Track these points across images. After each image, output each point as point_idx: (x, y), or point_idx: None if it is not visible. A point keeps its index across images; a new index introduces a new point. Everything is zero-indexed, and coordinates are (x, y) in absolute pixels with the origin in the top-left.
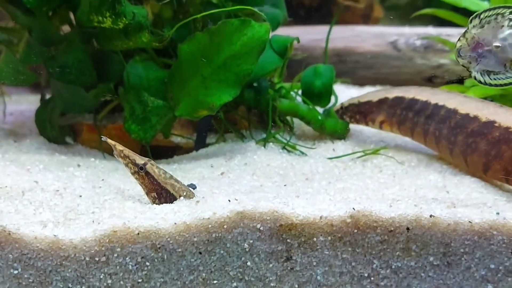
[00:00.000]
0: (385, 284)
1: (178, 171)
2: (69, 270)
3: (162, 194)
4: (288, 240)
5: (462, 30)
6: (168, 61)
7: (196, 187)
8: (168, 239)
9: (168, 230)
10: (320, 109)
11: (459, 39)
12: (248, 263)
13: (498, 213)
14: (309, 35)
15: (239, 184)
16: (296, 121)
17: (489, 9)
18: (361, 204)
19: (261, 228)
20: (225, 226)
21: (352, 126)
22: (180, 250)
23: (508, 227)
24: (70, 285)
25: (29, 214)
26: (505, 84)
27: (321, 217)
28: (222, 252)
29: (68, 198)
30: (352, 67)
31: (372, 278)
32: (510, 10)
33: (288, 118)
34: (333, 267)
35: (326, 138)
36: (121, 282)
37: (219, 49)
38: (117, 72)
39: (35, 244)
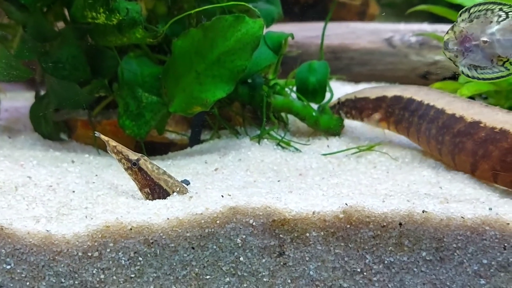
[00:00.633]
0: (378, 279)
1: (172, 167)
2: (62, 265)
3: (155, 189)
4: (281, 235)
5: None
6: (163, 57)
7: (189, 183)
8: (161, 234)
9: (161, 225)
10: (314, 106)
11: (447, 32)
12: (241, 258)
13: (490, 209)
14: (304, 32)
15: (233, 179)
16: (291, 117)
17: (479, 4)
18: (354, 200)
19: (254, 223)
20: (217, 222)
21: (347, 123)
22: (173, 245)
23: (501, 222)
24: (62, 280)
25: (22, 209)
26: (492, 79)
27: (313, 212)
28: (214, 247)
29: (61, 194)
30: (347, 64)
31: (364, 273)
32: (499, 6)
33: (283, 114)
34: (326, 262)
35: (321, 135)
36: (114, 277)
37: (213, 45)
38: (111, 68)
39: (28, 239)
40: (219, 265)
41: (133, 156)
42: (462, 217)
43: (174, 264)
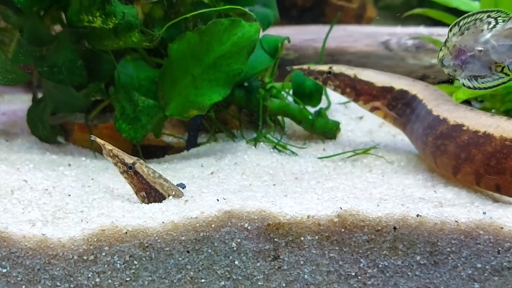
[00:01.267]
0: (372, 283)
1: (168, 170)
2: (57, 269)
3: (151, 193)
4: (276, 239)
5: None
6: (159, 60)
7: (185, 187)
8: (156, 238)
9: (156, 229)
10: (311, 109)
11: (440, 49)
12: (236, 262)
13: (484, 213)
14: (301, 35)
15: (228, 183)
16: (287, 120)
17: (467, 16)
18: (349, 204)
19: (249, 227)
20: (212, 225)
21: (344, 127)
22: (168, 249)
23: (495, 226)
24: (58, 284)
25: (18, 213)
26: (494, 86)
27: (308, 216)
28: (209, 251)
29: (57, 197)
30: None
31: (359, 277)
32: (487, 14)
33: (279, 117)
34: (321, 266)
35: (317, 138)
36: (109, 281)
37: (209, 49)
38: (107, 72)
39: (23, 243)
40: (214, 268)
41: (129, 159)
42: (456, 221)
43: (169, 267)
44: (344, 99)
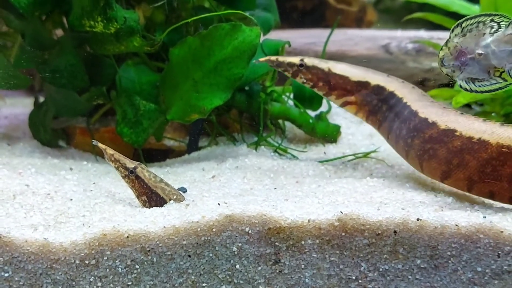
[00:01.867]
0: (373, 287)
1: (169, 174)
2: (59, 273)
3: (152, 197)
4: (277, 243)
5: None
6: (161, 65)
7: (186, 191)
8: (158, 242)
9: (158, 233)
10: (312, 113)
11: (441, 49)
12: (237, 266)
13: (485, 217)
14: (302, 39)
15: (230, 187)
16: (288, 124)
17: (471, 18)
18: (349, 208)
19: (250, 231)
20: (214, 229)
21: (345, 130)
22: (169, 253)
23: (495, 230)
24: None
25: (20, 218)
26: (490, 91)
27: (309, 220)
28: (211, 255)
29: (59, 202)
30: None
31: (360, 281)
32: (491, 17)
33: (280, 121)
34: (321, 269)
35: (318, 142)
36: (111, 285)
37: (210, 53)
38: (109, 76)
39: (25, 247)
40: (215, 272)
41: (130, 164)
42: (456, 225)
43: (171, 272)
44: None
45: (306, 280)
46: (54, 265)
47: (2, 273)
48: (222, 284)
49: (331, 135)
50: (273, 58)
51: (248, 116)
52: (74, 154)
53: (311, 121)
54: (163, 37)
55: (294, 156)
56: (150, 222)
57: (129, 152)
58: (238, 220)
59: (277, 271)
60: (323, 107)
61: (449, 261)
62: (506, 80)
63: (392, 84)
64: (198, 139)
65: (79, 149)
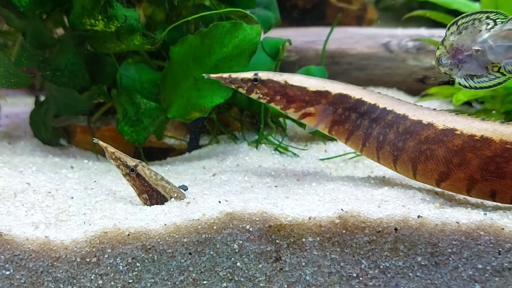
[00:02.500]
0: (374, 284)
1: (170, 172)
2: (60, 271)
3: (153, 195)
4: (277, 241)
5: None
6: (161, 63)
7: (187, 189)
8: (158, 240)
9: (158, 231)
10: None
11: (438, 48)
12: (238, 264)
13: (485, 214)
14: (302, 37)
15: (230, 185)
16: (289, 122)
17: (466, 16)
18: (350, 205)
19: (250, 229)
20: (214, 227)
21: None
22: (170, 250)
23: (495, 227)
24: (61, 286)
25: (21, 216)
26: (490, 86)
27: (310, 218)
28: (211, 252)
29: (59, 200)
30: (345, 69)
31: (360, 278)
32: (486, 14)
33: (281, 119)
34: (322, 267)
35: (319, 139)
36: (112, 283)
37: (210, 51)
38: (110, 74)
39: (26, 245)
40: (216, 270)
41: (131, 162)
42: (457, 222)
43: (172, 269)
44: None
45: (307, 277)
46: (55, 263)
47: (4, 271)
48: (223, 281)
49: None
50: (225, 75)
51: (249, 114)
52: (75, 153)
53: None
54: (164, 35)
55: (295, 154)
56: (151, 220)
57: (130, 151)
58: (239, 217)
59: (278, 268)
60: None
61: (450, 258)
62: (504, 75)
63: (356, 91)
64: (199, 137)
65: (80, 147)
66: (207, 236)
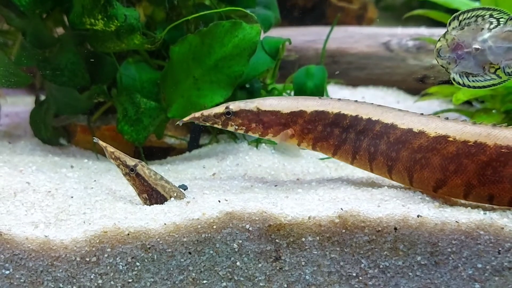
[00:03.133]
0: (373, 283)
1: (170, 172)
2: (60, 270)
3: (152, 195)
4: (277, 240)
5: None
6: (161, 62)
7: (187, 188)
8: (158, 239)
9: (158, 230)
10: None
11: (439, 40)
12: (238, 263)
13: (485, 213)
14: (302, 36)
15: (230, 184)
16: None
17: (468, 11)
18: (349, 204)
19: (250, 229)
20: (214, 227)
21: None
22: (169, 250)
23: (495, 227)
24: (61, 285)
25: (21, 215)
26: (483, 86)
27: (309, 217)
28: (211, 252)
29: (59, 199)
30: (345, 68)
31: (360, 278)
32: (490, 12)
33: None
34: (322, 266)
35: None
36: (112, 282)
37: (210, 51)
38: (110, 74)
39: (26, 245)
40: (215, 270)
41: (131, 162)
42: (456, 221)
43: (171, 269)
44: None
45: (307, 277)
46: (54, 263)
47: (3, 270)
48: (222, 281)
49: None
50: (197, 114)
51: None
52: (75, 152)
53: None
54: (164, 34)
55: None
56: (151, 220)
57: (130, 150)
58: (238, 217)
59: (278, 268)
60: None
61: (450, 258)
62: (500, 77)
63: (333, 105)
64: (199, 137)
65: (80, 147)
66: (206, 235)
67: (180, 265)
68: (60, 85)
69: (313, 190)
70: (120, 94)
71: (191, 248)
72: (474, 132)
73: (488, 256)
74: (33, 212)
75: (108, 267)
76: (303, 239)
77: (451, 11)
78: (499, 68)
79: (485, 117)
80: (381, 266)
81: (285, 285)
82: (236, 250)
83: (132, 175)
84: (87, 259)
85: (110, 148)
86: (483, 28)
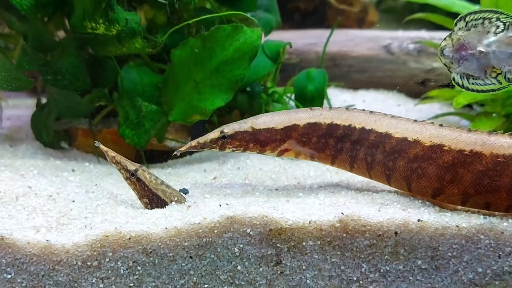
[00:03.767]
0: None
1: (171, 175)
2: (62, 275)
3: (153, 199)
4: (278, 245)
5: None
6: (162, 66)
7: (188, 192)
8: (159, 243)
9: (159, 234)
10: None
11: (444, 39)
12: (239, 267)
13: (485, 218)
14: (303, 39)
15: (231, 188)
16: None
17: (475, 12)
18: (350, 209)
19: (251, 233)
20: (215, 231)
21: None
22: (171, 254)
23: (495, 231)
24: None
25: (22, 219)
26: (482, 91)
27: (310, 222)
28: (212, 256)
29: (61, 203)
30: (346, 71)
31: (361, 282)
32: (497, 15)
33: None
34: (323, 271)
35: None
36: (113, 287)
37: (211, 55)
38: (111, 78)
39: (28, 249)
40: (217, 274)
41: (131, 166)
42: (457, 226)
43: (173, 273)
44: (347, 102)
45: (307, 281)
46: (56, 267)
47: (5, 275)
48: (223, 285)
49: None
50: (193, 143)
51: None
52: (76, 156)
53: None
54: (165, 38)
55: None
56: (152, 224)
57: (131, 154)
58: (239, 221)
59: (279, 272)
60: None
61: (450, 262)
62: (500, 83)
63: (325, 115)
64: None
65: (81, 150)
66: (208, 239)
67: (181, 269)
68: (62, 89)
69: (314, 194)
70: (121, 98)
71: (192, 252)
72: (469, 140)
73: (489, 260)
74: (35, 217)
75: (110, 271)
76: (304, 243)
77: (451, 14)
78: (500, 73)
79: (485, 121)
80: (381, 270)
81: None
82: (237, 254)
83: (133, 179)
84: (89, 263)
85: (111, 153)
86: (489, 31)
